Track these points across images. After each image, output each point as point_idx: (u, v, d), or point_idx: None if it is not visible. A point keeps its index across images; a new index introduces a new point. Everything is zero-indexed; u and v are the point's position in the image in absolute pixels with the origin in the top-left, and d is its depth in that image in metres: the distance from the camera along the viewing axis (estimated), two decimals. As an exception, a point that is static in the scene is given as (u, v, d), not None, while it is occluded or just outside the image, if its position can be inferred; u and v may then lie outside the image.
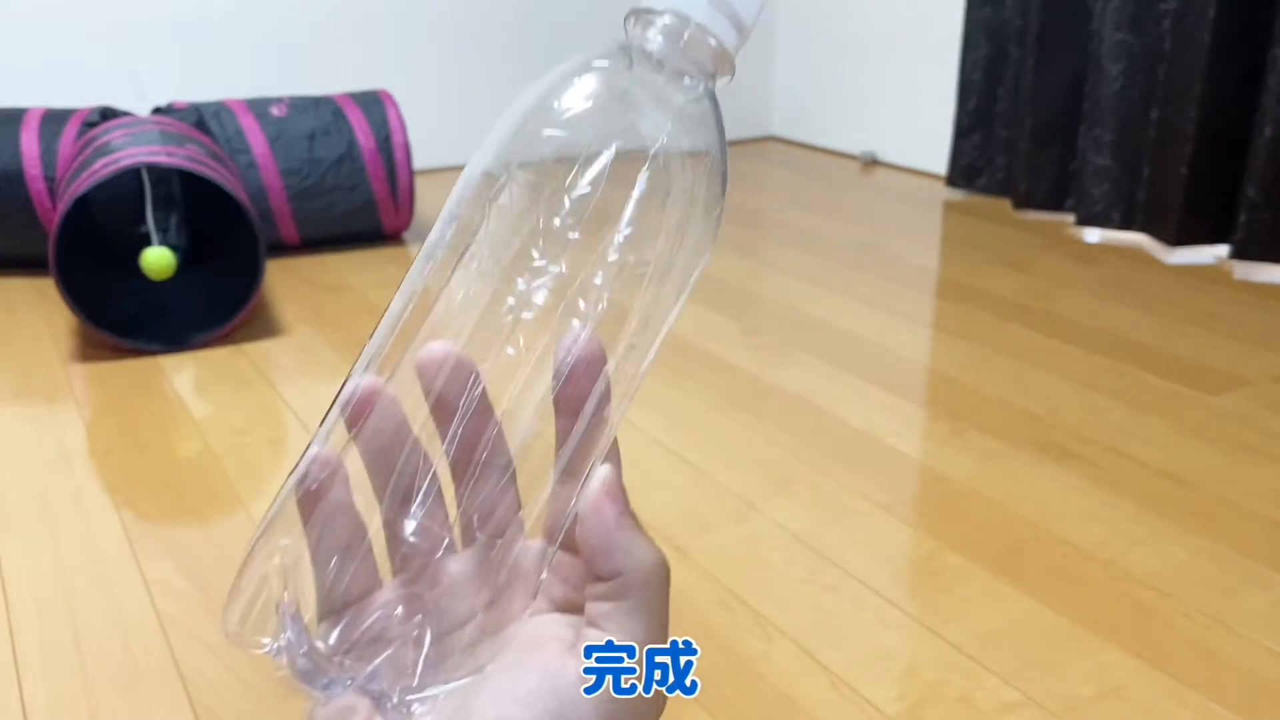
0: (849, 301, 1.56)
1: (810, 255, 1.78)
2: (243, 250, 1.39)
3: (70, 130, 1.59)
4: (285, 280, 1.63)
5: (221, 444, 1.12)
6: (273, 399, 1.24)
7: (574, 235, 0.30)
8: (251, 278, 1.39)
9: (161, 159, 1.38)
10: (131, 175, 1.48)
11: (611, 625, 0.29)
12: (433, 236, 0.31)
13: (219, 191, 1.38)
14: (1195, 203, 1.68)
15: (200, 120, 1.66)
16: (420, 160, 2.14)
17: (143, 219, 1.50)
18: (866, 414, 1.19)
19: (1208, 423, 1.16)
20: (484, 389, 0.31)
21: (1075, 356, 1.34)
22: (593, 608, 0.29)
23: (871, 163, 2.44)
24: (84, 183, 1.31)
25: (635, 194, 0.30)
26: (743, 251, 1.81)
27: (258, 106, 1.72)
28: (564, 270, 0.30)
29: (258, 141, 1.66)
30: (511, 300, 0.30)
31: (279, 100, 1.74)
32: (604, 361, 0.30)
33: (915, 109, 2.33)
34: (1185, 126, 1.65)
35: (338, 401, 0.31)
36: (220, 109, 1.69)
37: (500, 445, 0.31)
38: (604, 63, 0.31)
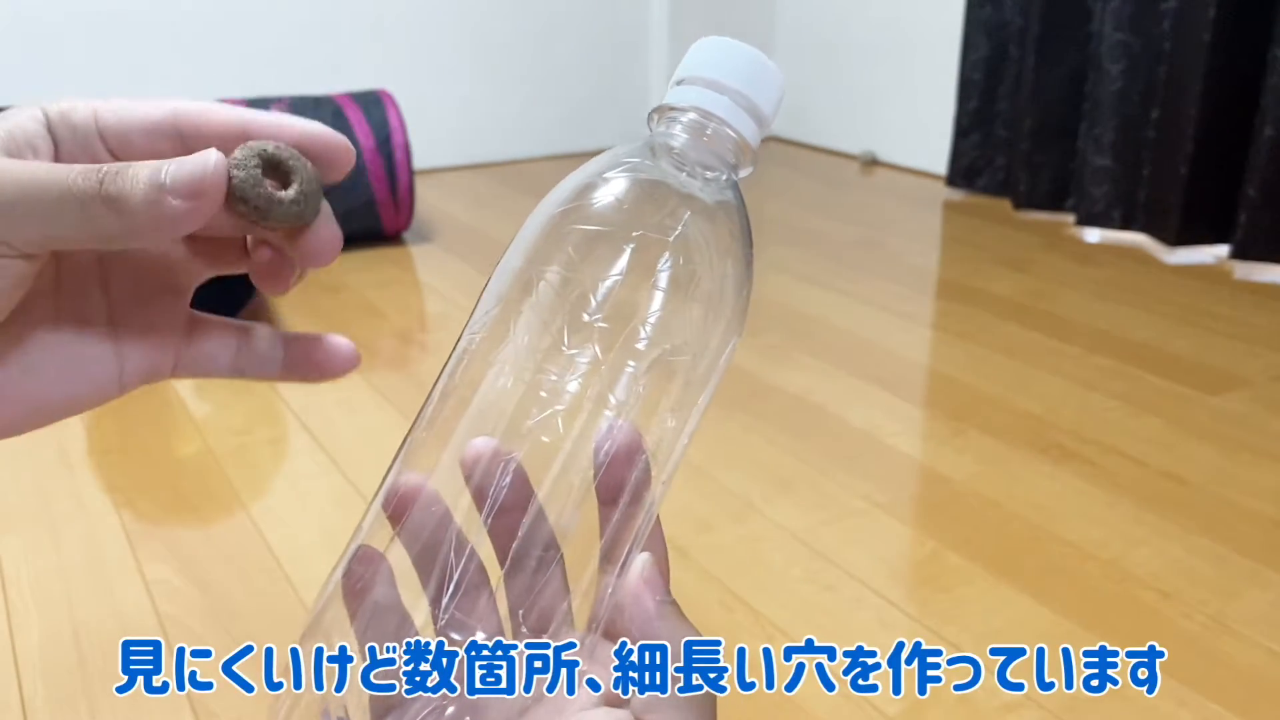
0: (849, 301, 1.56)
1: (810, 255, 1.78)
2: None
3: (70, 130, 1.59)
4: (285, 280, 1.63)
5: (221, 444, 1.12)
6: (273, 399, 1.24)
7: (603, 326, 0.31)
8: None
9: (161, 159, 1.38)
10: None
11: (658, 719, 0.28)
12: (467, 334, 0.32)
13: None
14: (1195, 203, 1.68)
15: (200, 120, 1.66)
16: (420, 160, 2.14)
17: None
18: (866, 414, 1.19)
19: (1208, 423, 1.16)
20: (523, 480, 0.31)
21: (1075, 356, 1.34)
22: (638, 700, 0.29)
23: (871, 163, 2.44)
24: (84, 183, 1.31)
25: (660, 284, 0.31)
26: (743, 251, 1.80)
27: (258, 106, 1.72)
28: (595, 361, 0.31)
29: (258, 141, 1.66)
30: (545, 393, 0.31)
31: (279, 100, 1.74)
32: (640, 449, 0.30)
33: (915, 109, 2.33)
34: (1185, 126, 1.65)
35: (379, 498, 0.31)
36: (220, 109, 1.69)
37: (538, 537, 0.31)
38: (629, 159, 0.32)
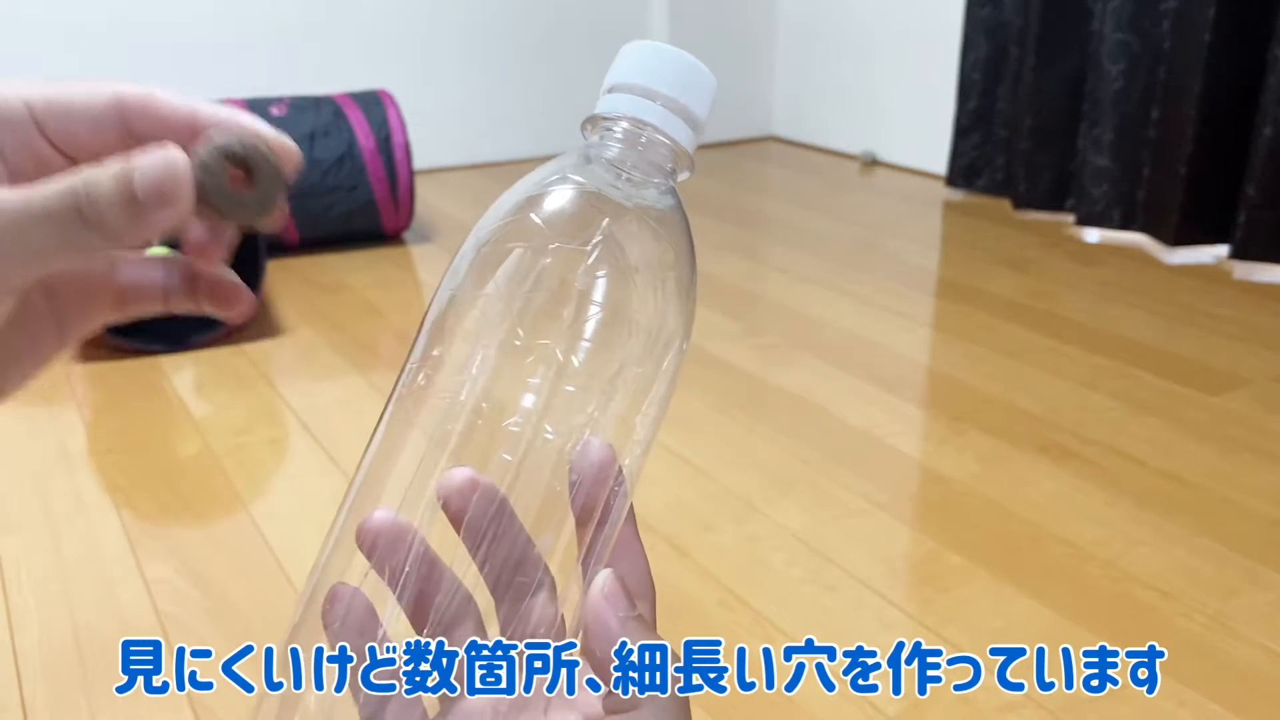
0: (849, 301, 1.56)
1: (810, 255, 1.78)
2: (242, 250, 1.39)
3: (70, 130, 1.59)
4: (285, 280, 1.63)
5: (221, 444, 1.12)
6: (273, 399, 1.24)
7: (545, 343, 0.30)
8: (251, 278, 1.39)
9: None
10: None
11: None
12: (412, 361, 0.32)
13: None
14: (1195, 203, 1.68)
15: (200, 120, 1.66)
16: (420, 160, 2.14)
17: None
18: (866, 414, 1.19)
19: (1208, 423, 1.16)
20: (503, 507, 0.31)
21: (1075, 356, 1.34)
22: (610, 701, 0.28)
23: (871, 163, 2.44)
24: (84, 183, 1.31)
25: (597, 298, 0.30)
26: (743, 251, 1.81)
27: (258, 106, 1.72)
28: (541, 380, 0.30)
29: (258, 141, 1.66)
30: (482, 421, 0.31)
31: (279, 100, 1.74)
32: (614, 466, 0.30)
33: (915, 109, 2.33)
34: (1185, 126, 1.65)
35: (337, 528, 0.31)
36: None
37: (517, 562, 0.31)
38: (565, 173, 0.32)
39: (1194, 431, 1.14)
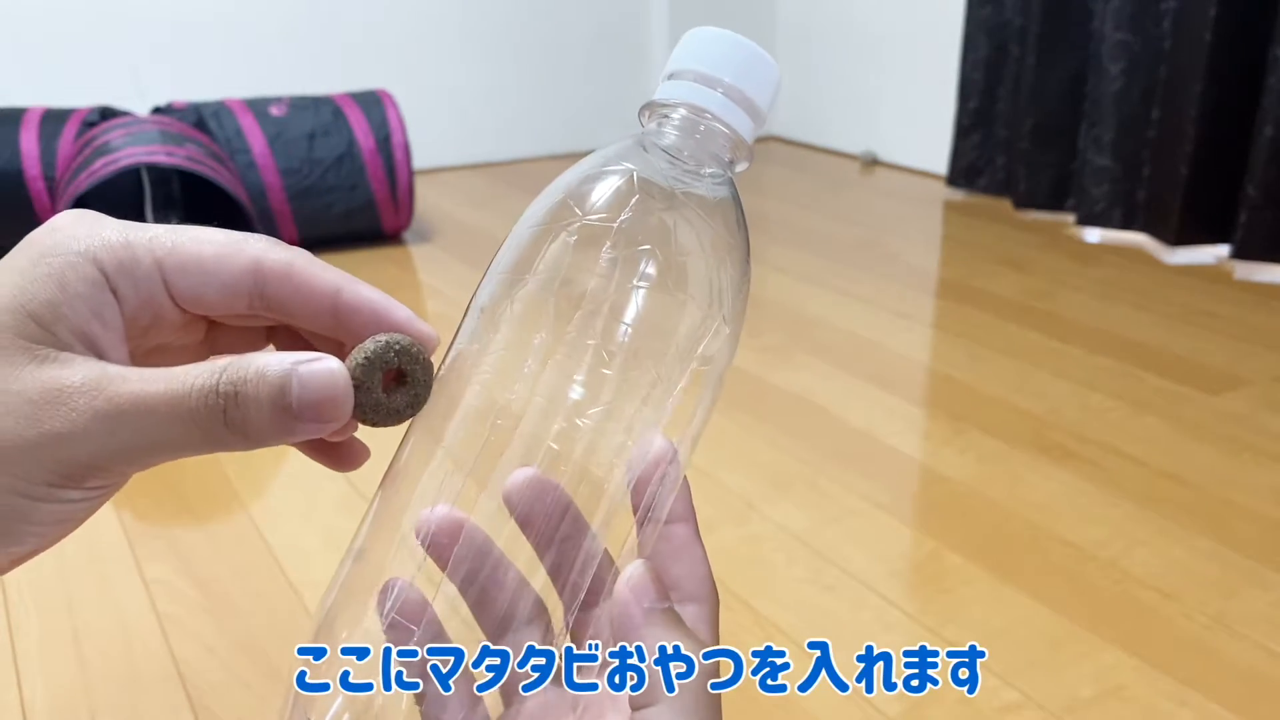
0: (849, 301, 1.56)
1: (810, 255, 1.78)
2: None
3: (70, 130, 1.59)
4: (285, 280, 1.63)
5: (221, 444, 1.12)
6: (272, 399, 1.24)
7: (590, 337, 0.29)
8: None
9: (161, 158, 1.38)
10: (131, 175, 1.48)
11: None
12: (452, 351, 0.31)
13: (218, 191, 1.38)
14: (1195, 203, 1.68)
15: (200, 120, 1.66)
16: (420, 160, 2.14)
17: (142, 219, 1.50)
18: (866, 414, 1.19)
19: (1208, 423, 1.16)
20: (569, 508, 0.30)
21: (1075, 356, 1.34)
22: (637, 698, 0.28)
23: (871, 163, 2.44)
24: (83, 182, 1.31)
25: (646, 288, 0.29)
26: (743, 251, 1.80)
27: (257, 106, 1.72)
28: (584, 371, 0.30)
29: (257, 141, 1.66)
30: (528, 409, 0.30)
31: (279, 100, 1.74)
32: (673, 462, 0.29)
33: (915, 109, 2.33)
34: (1185, 126, 1.65)
35: (374, 521, 0.30)
36: (220, 109, 1.69)
37: (588, 562, 0.31)
38: (620, 159, 0.31)
39: (1194, 431, 1.14)
